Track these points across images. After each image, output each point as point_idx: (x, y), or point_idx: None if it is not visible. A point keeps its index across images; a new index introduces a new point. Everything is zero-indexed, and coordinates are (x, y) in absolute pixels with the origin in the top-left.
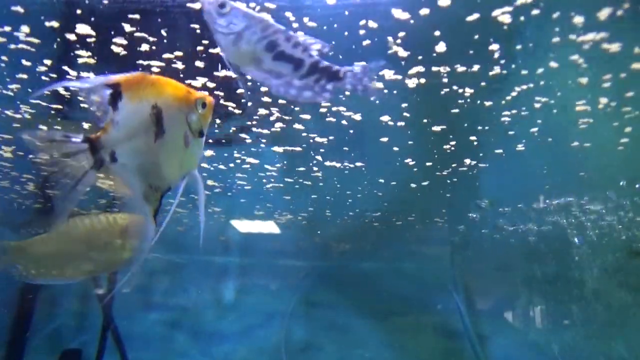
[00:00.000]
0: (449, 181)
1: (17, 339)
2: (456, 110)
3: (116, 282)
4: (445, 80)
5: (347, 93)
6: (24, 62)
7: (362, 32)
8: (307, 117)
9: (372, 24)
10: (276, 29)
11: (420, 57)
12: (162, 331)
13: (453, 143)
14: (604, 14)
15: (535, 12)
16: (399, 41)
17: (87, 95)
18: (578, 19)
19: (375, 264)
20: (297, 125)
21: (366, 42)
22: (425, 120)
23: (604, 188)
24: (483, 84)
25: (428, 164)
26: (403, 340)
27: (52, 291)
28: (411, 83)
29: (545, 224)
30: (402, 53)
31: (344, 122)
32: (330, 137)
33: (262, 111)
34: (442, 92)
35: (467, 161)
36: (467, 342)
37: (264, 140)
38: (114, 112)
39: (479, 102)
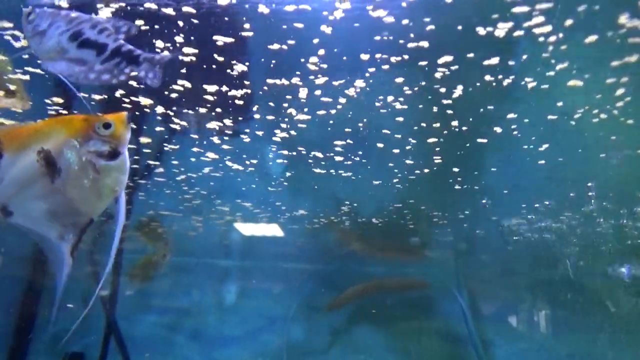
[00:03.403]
0: (454, 185)
1: (20, 343)
2: (463, 114)
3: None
4: (449, 81)
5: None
6: None
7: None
8: (308, 117)
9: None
10: (83, 19)
11: (426, 60)
12: (163, 334)
13: (459, 146)
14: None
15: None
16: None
17: None
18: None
19: (379, 267)
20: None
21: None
22: (430, 124)
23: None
24: (489, 81)
25: (433, 167)
26: (406, 345)
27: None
28: (414, 86)
29: (551, 228)
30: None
31: (348, 129)
32: (334, 140)
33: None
34: (447, 95)
35: (474, 164)
36: (471, 348)
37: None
38: None
39: (485, 104)
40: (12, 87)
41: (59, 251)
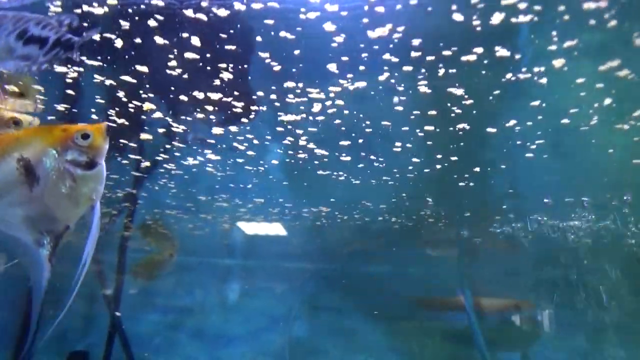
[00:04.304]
0: (459, 184)
1: (24, 341)
2: (469, 112)
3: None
4: (457, 80)
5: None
6: None
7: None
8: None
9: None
10: (29, 18)
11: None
12: (167, 333)
13: (465, 145)
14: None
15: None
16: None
17: None
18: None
19: (382, 267)
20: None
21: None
22: (436, 122)
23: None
24: (498, 79)
25: (438, 166)
26: (409, 345)
27: (58, 293)
28: (421, 84)
29: (555, 228)
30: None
31: (353, 127)
32: (339, 139)
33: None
34: (453, 93)
35: (480, 164)
36: (474, 348)
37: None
38: None
39: (492, 103)
40: (22, 89)
41: (37, 257)
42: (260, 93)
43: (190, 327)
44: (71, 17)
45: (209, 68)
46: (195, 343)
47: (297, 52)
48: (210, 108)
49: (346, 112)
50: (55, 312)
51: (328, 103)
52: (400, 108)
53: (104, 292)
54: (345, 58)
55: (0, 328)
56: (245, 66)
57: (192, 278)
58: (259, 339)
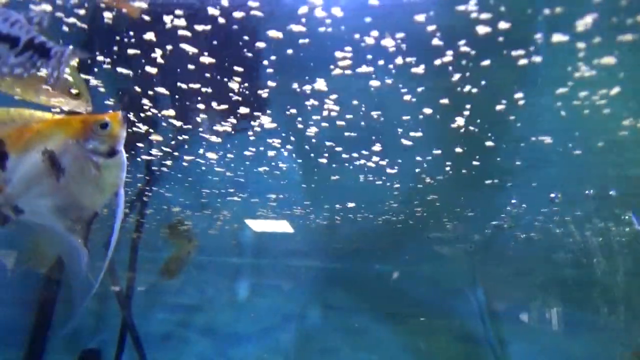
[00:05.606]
0: (473, 182)
1: (38, 339)
2: (481, 108)
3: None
4: (468, 75)
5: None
6: None
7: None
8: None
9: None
10: None
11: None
12: (175, 331)
13: (474, 143)
14: None
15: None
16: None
17: None
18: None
19: (392, 266)
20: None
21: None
22: (446, 118)
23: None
24: (512, 75)
25: (448, 164)
26: (420, 344)
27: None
28: (431, 79)
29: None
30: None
31: (362, 123)
32: (348, 135)
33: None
34: (465, 88)
35: (490, 160)
36: (486, 347)
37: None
38: (3, 172)
39: (503, 99)
40: (76, 90)
41: (73, 244)
42: (269, 91)
43: (202, 325)
44: (40, 15)
45: (220, 77)
46: (207, 341)
47: (305, 46)
48: (219, 109)
49: (362, 109)
50: (71, 309)
51: (333, 97)
52: (415, 102)
53: (115, 290)
54: (367, 56)
55: (13, 326)
56: (256, 67)
57: (204, 277)
58: (269, 337)
